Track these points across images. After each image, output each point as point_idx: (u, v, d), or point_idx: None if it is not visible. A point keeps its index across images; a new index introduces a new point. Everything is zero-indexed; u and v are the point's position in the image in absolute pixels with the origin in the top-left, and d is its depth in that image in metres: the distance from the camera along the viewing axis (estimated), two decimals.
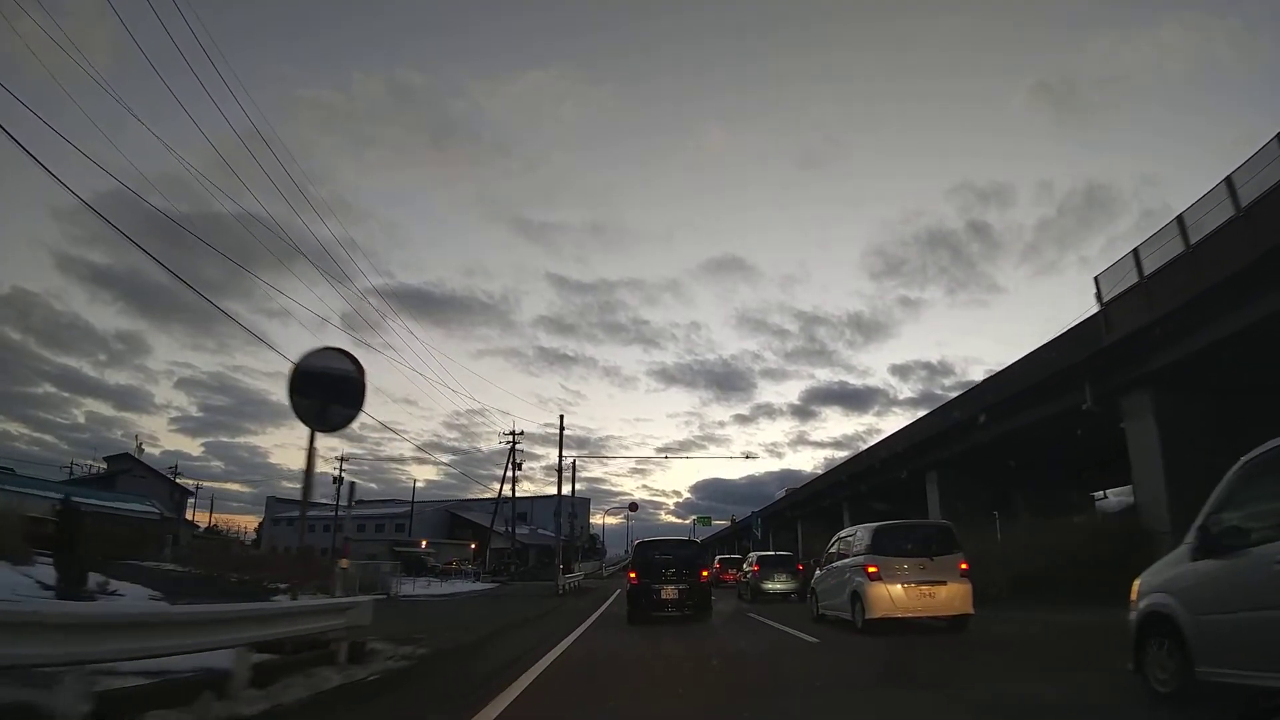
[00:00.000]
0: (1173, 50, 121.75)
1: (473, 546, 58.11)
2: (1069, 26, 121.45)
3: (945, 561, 10.31)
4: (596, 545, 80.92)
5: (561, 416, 34.70)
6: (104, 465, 48.48)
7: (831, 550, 12.73)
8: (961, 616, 10.13)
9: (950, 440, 22.90)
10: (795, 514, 45.30)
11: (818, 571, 13.25)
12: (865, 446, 34.41)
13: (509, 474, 47.86)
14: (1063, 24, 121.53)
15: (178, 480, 64.83)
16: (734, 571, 26.80)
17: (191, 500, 73.79)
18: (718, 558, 36.78)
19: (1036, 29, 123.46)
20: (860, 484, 32.08)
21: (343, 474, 60.27)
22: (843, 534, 12.61)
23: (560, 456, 32.08)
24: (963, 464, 23.48)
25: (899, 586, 10.02)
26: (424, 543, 56.61)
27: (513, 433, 47.40)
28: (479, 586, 34.61)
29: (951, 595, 10.05)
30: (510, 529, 50.90)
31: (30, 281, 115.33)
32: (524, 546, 59.06)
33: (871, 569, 10.28)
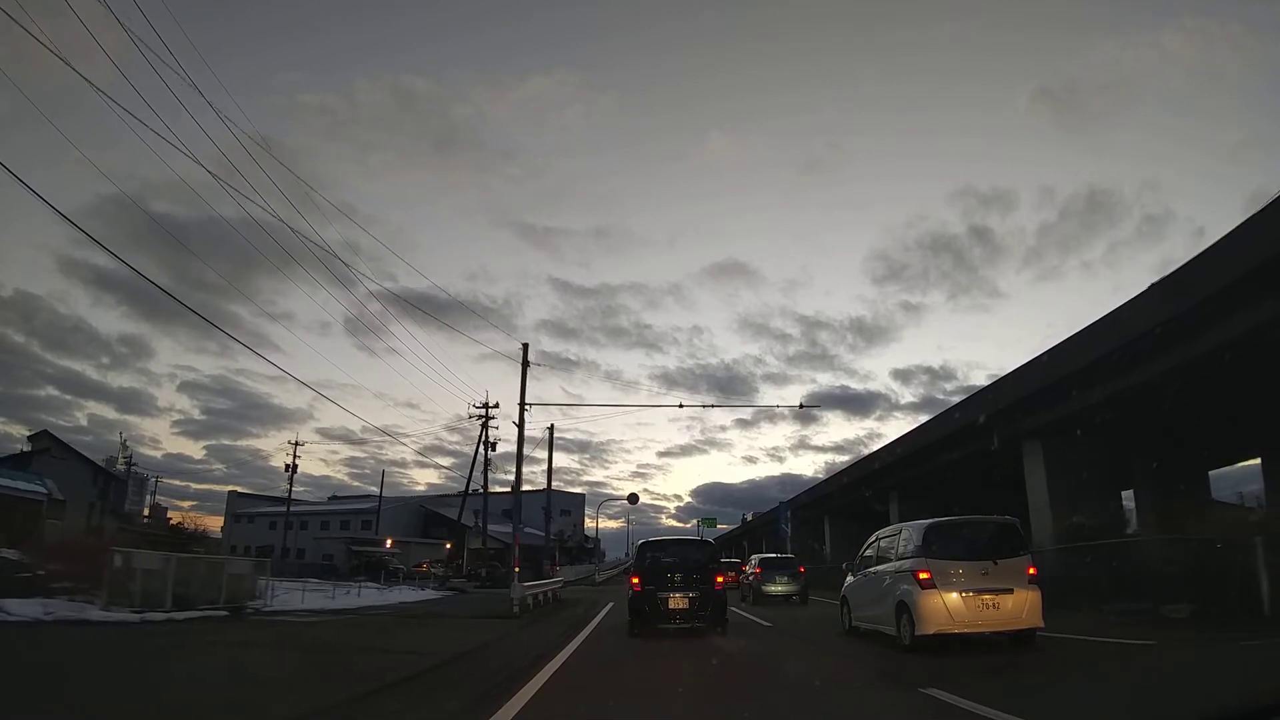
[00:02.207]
0: (1174, 55, 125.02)
1: (448, 546, 55.12)
2: (1070, 32, 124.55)
3: (1010, 565, 9.09)
4: (588, 546, 75.75)
5: (525, 346, 23.48)
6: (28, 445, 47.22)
7: (867, 553, 11.44)
8: (1029, 631, 8.96)
9: (1086, 385, 16.59)
10: (822, 510, 40.97)
11: (849, 578, 12.00)
12: (926, 419, 27.95)
13: (479, 457, 41.58)
14: (1064, 30, 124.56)
15: (130, 465, 63.85)
16: (733, 574, 27.70)
17: (149, 492, 73.30)
18: None
19: (1038, 35, 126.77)
20: (920, 465, 26.66)
21: (296, 462, 56.16)
22: (882, 534, 11.26)
23: (522, 400, 22.91)
24: (1086, 426, 17.50)
25: (956, 595, 8.83)
26: (389, 542, 53.96)
27: (485, 405, 39.80)
28: (421, 597, 27.76)
29: (1019, 606, 8.86)
30: (480, 523, 46.28)
31: (33, 284, 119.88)
32: (505, 546, 57.89)
33: (923, 575, 9.05)
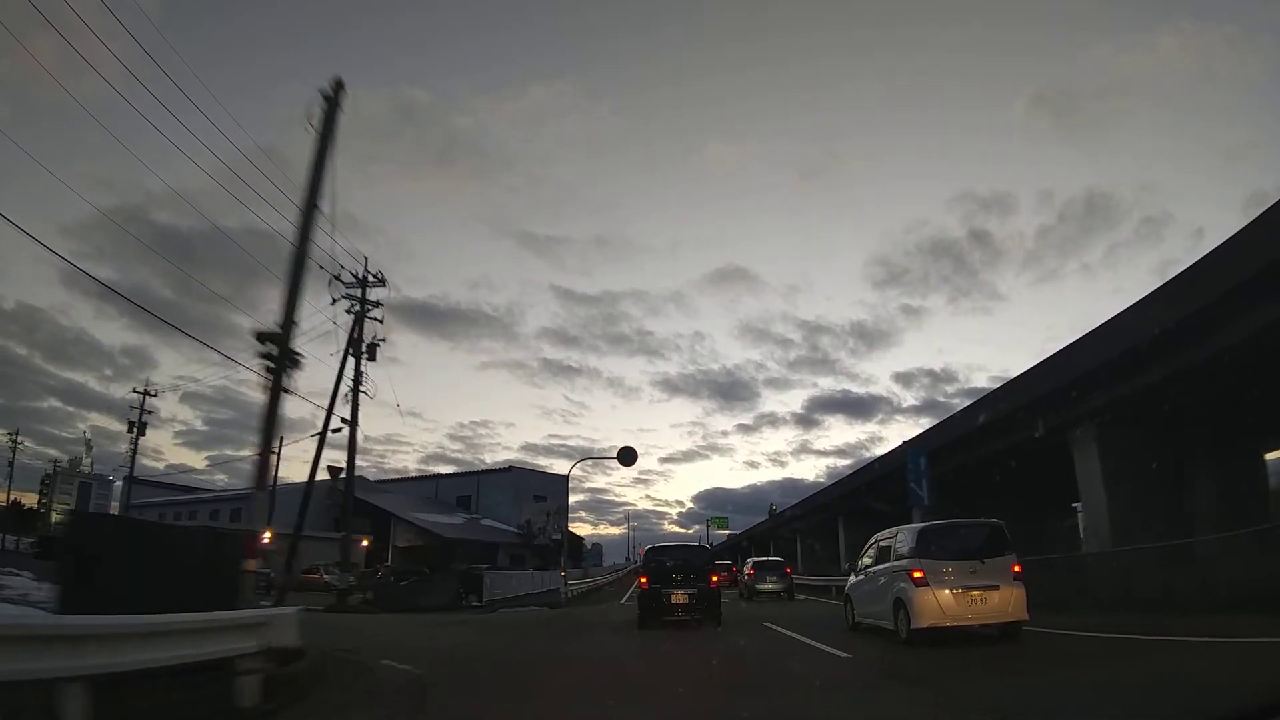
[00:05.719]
0: (1170, 58, 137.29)
1: (364, 544, 47.27)
2: (1068, 36, 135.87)
3: (997, 564, 10.89)
4: (556, 539, 61.89)
5: None
6: None
7: (867, 554, 13.36)
8: (1015, 624, 10.74)
9: None
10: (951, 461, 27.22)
11: (852, 578, 13.91)
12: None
13: (350, 359, 24.64)
14: (1062, 34, 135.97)
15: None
16: (725, 574, 33.47)
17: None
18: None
19: (1034, 39, 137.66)
20: (1139, 373, 16.96)
21: (142, 422, 45.74)
22: (880, 536, 13.12)
23: None
24: None
25: (948, 592, 10.53)
26: (267, 536, 50.37)
27: (362, 279, 24.50)
28: None
29: (1005, 601, 10.65)
30: (339, 477, 27.35)
31: (35, 297, 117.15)
32: (446, 542, 52.20)
33: (917, 574, 10.75)
